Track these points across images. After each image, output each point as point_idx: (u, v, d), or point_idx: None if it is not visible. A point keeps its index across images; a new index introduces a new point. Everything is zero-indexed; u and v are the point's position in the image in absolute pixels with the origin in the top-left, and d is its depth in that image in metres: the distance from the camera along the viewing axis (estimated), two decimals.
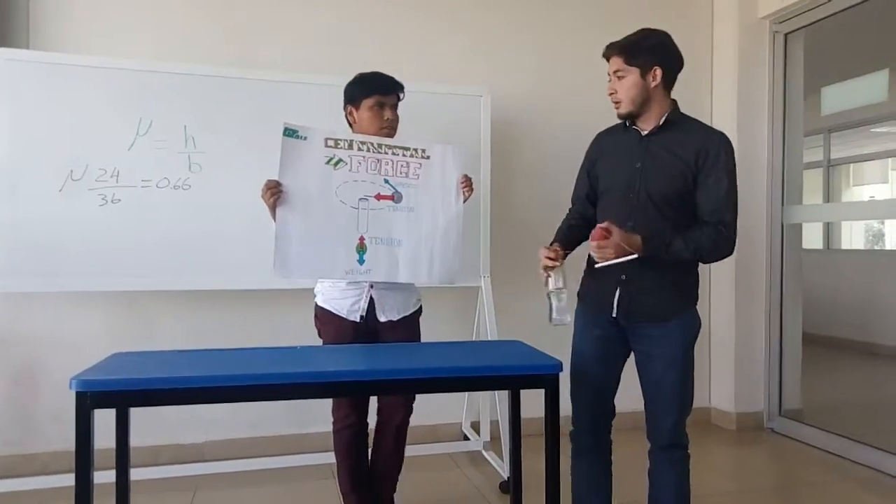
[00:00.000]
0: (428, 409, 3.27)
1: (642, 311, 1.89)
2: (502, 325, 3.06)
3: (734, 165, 1.90)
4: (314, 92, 2.97)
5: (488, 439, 3.27)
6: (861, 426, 3.46)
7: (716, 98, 3.89)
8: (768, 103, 3.77)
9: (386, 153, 2.29)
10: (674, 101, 1.94)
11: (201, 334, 3.05)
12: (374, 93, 2.29)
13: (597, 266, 1.86)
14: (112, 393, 1.54)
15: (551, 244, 1.96)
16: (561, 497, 1.78)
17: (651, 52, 1.87)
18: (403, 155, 2.31)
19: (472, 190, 2.38)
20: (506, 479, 2.82)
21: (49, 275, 2.71)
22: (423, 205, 2.32)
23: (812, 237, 7.04)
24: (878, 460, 3.11)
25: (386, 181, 2.29)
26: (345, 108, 2.36)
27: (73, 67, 2.76)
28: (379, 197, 2.28)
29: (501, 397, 3.07)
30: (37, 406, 2.96)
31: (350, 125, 2.37)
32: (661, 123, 1.90)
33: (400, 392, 2.30)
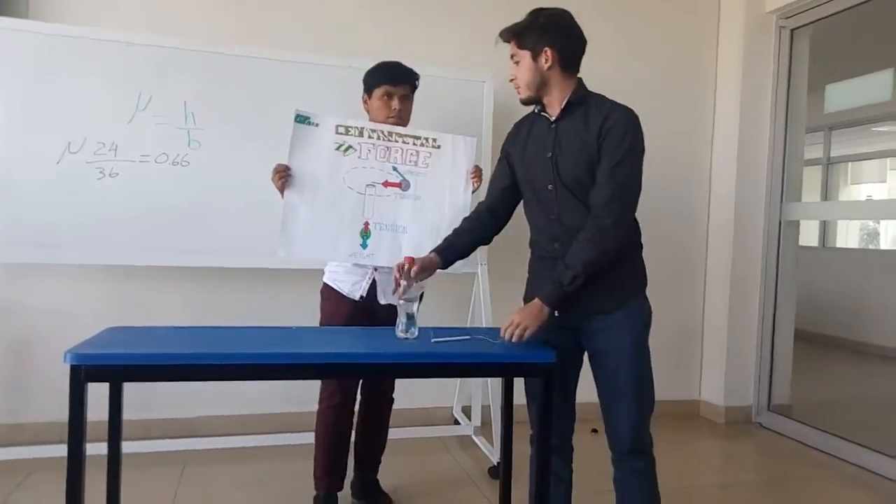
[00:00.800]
0: (420, 392, 3.29)
1: (581, 305, 1.77)
2: (496, 312, 3.08)
3: (633, 142, 1.73)
4: (315, 72, 2.96)
5: (479, 424, 3.29)
6: (848, 423, 3.50)
7: (719, 92, 3.87)
8: (771, 99, 3.76)
9: (396, 141, 2.32)
10: (578, 81, 1.82)
11: (196, 310, 3.06)
12: (383, 82, 2.31)
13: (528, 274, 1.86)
14: (106, 367, 1.54)
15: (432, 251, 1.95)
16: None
17: (540, 32, 1.77)
18: (414, 144, 2.34)
19: (481, 181, 2.41)
20: (495, 464, 2.85)
21: (45, 246, 2.70)
22: (430, 193, 2.35)
23: (808, 234, 7.05)
24: (864, 457, 3.15)
25: (394, 169, 2.33)
26: (362, 95, 2.39)
27: (72, 39, 2.73)
28: (386, 184, 2.31)
29: (493, 383, 3.09)
30: (30, 376, 2.96)
31: (367, 112, 2.40)
32: (562, 107, 1.80)
33: (395, 376, 2.34)
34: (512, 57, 1.84)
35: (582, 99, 1.80)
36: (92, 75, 2.74)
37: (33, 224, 2.68)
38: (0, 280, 2.93)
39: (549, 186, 1.82)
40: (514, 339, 1.71)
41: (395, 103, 2.32)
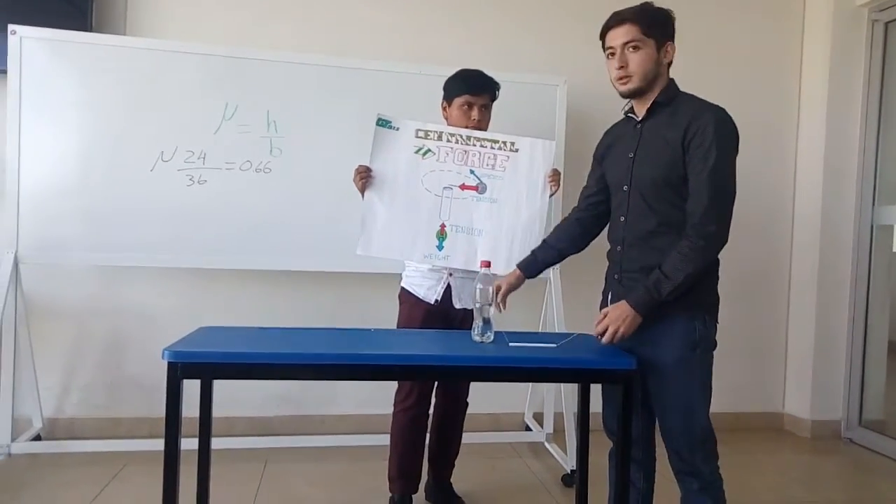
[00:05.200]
0: (491, 398, 3.30)
1: None
2: (569, 317, 3.05)
3: (727, 145, 1.65)
4: (391, 79, 3.02)
5: (551, 431, 3.26)
6: None
7: (804, 89, 3.71)
8: (862, 97, 3.58)
9: (474, 145, 2.35)
10: (670, 81, 1.78)
11: (276, 312, 3.16)
12: (464, 92, 2.33)
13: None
14: (200, 364, 1.61)
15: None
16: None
17: (666, 25, 1.74)
18: (491, 147, 2.36)
19: (559, 185, 2.41)
20: (569, 472, 2.82)
21: (138, 250, 2.85)
22: (507, 197, 2.36)
23: None
24: None
25: (471, 172, 2.35)
26: (441, 102, 2.42)
27: (165, 53, 2.88)
28: (463, 187, 2.34)
29: (566, 390, 3.05)
30: (122, 374, 3.12)
31: (445, 119, 2.42)
32: (649, 107, 1.75)
33: (473, 379, 2.35)
34: (629, 42, 1.70)
35: (670, 99, 1.75)
36: (183, 87, 2.88)
37: (127, 228, 2.84)
38: (95, 282, 3.12)
39: (624, 187, 1.80)
40: (606, 341, 1.71)
41: (475, 114, 2.34)
